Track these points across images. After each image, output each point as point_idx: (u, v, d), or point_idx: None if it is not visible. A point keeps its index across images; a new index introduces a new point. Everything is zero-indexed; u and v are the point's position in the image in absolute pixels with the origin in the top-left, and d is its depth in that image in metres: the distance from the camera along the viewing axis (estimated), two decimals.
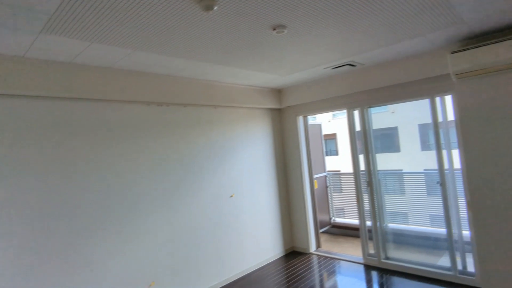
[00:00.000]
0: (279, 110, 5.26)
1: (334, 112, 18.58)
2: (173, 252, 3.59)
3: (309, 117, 5.25)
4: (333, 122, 18.29)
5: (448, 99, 3.67)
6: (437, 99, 3.72)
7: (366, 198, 4.36)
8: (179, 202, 3.69)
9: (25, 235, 2.59)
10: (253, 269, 4.46)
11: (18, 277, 2.54)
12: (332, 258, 4.68)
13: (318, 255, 4.87)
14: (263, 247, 4.68)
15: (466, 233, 3.63)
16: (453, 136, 3.57)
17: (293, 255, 4.96)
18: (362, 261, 4.42)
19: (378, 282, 3.81)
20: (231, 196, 4.30)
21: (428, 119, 3.80)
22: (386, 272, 4.03)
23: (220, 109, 4.30)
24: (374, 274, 4.02)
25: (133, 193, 3.30)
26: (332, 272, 4.21)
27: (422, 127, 14.02)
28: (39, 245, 2.66)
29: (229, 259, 4.17)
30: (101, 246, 3.02)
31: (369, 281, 3.85)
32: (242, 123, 4.60)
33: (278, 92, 5.07)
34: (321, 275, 4.15)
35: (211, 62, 3.22)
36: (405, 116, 14.44)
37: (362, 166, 4.35)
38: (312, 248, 5.03)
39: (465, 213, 3.48)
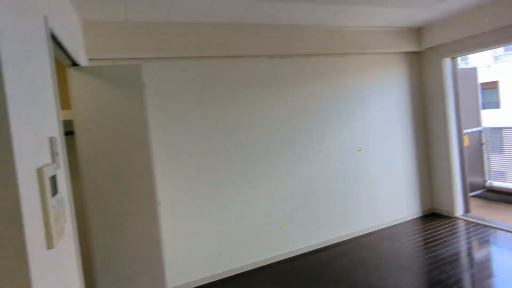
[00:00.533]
0: (417, 53, 4.49)
1: (496, 55, 14.79)
2: (304, 200, 3.73)
3: (459, 60, 4.30)
4: (494, 67, 14.66)
5: None
6: None
7: None
8: (307, 154, 3.73)
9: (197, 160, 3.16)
10: (385, 226, 4.21)
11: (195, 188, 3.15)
12: (486, 226, 3.94)
13: (466, 220, 4.18)
14: (396, 204, 4.33)
15: None
16: None
17: (433, 217, 4.41)
18: None
19: None
20: (360, 150, 4.06)
21: None
22: None
23: (347, 57, 3.97)
24: None
25: (268, 145, 3.52)
26: (485, 241, 3.55)
27: None
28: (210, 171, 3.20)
29: (358, 213, 4.04)
30: (245, 188, 3.42)
31: None
32: (372, 71, 4.15)
33: (417, 32, 4.30)
34: (469, 243, 3.56)
35: (338, 2, 2.94)
36: None
37: None
38: (459, 212, 4.35)
39: None
